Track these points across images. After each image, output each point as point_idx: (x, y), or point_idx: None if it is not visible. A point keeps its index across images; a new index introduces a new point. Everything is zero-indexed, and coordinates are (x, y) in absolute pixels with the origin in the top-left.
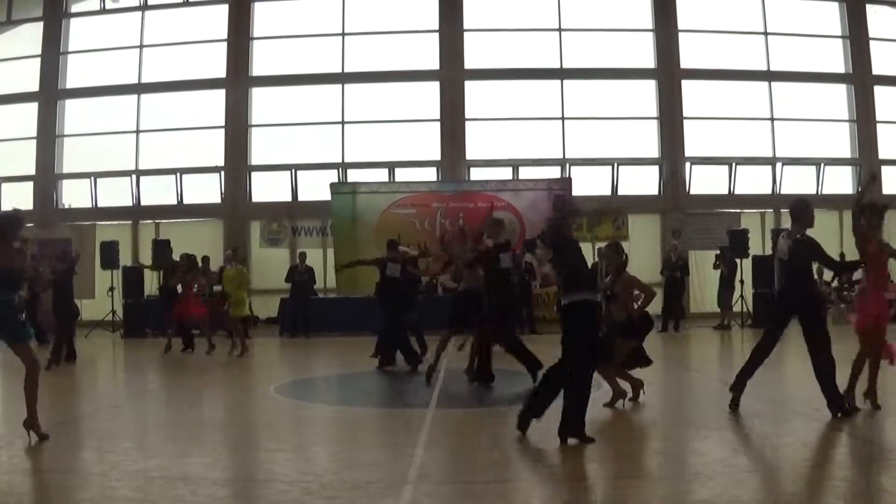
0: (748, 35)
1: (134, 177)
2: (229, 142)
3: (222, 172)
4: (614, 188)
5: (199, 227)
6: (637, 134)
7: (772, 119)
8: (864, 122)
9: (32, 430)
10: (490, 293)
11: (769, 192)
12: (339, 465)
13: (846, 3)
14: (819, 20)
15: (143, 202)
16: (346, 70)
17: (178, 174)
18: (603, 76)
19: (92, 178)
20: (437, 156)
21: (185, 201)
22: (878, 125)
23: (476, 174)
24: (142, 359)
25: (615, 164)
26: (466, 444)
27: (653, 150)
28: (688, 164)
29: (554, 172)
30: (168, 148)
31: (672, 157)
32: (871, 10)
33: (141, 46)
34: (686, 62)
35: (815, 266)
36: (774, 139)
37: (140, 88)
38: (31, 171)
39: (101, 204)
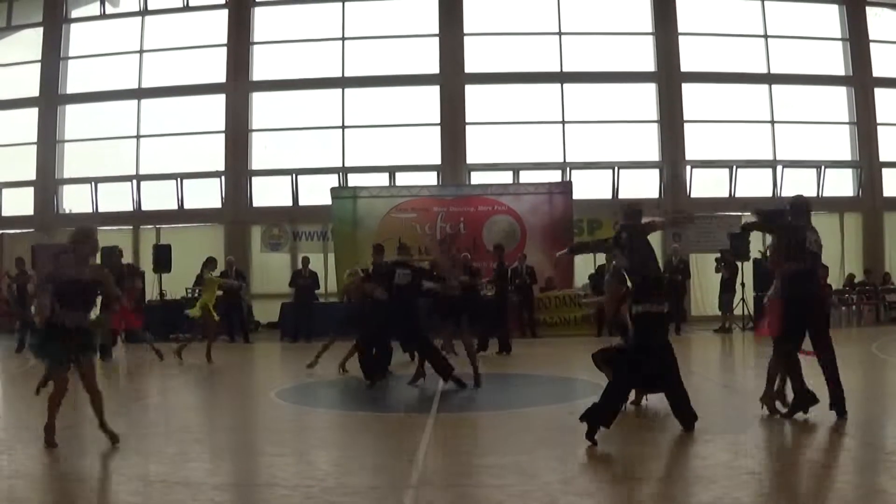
0: (748, 38)
1: (135, 182)
2: (230, 146)
3: (223, 177)
4: (615, 192)
5: (200, 231)
6: (637, 137)
7: (772, 122)
8: (865, 124)
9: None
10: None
11: (770, 194)
12: (341, 469)
13: (846, 5)
14: (819, 22)
15: (144, 207)
16: (346, 74)
17: (179, 179)
18: (603, 80)
19: (92, 184)
20: (437, 160)
21: (186, 206)
22: (879, 127)
23: (477, 178)
24: (142, 364)
25: (616, 168)
26: (468, 448)
27: (653, 154)
28: (688, 168)
29: (555, 176)
30: (169, 153)
31: (673, 160)
32: (870, 11)
33: (141, 51)
34: (686, 65)
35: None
36: (775, 142)
37: (140, 93)
38: (32, 176)
39: (101, 209)
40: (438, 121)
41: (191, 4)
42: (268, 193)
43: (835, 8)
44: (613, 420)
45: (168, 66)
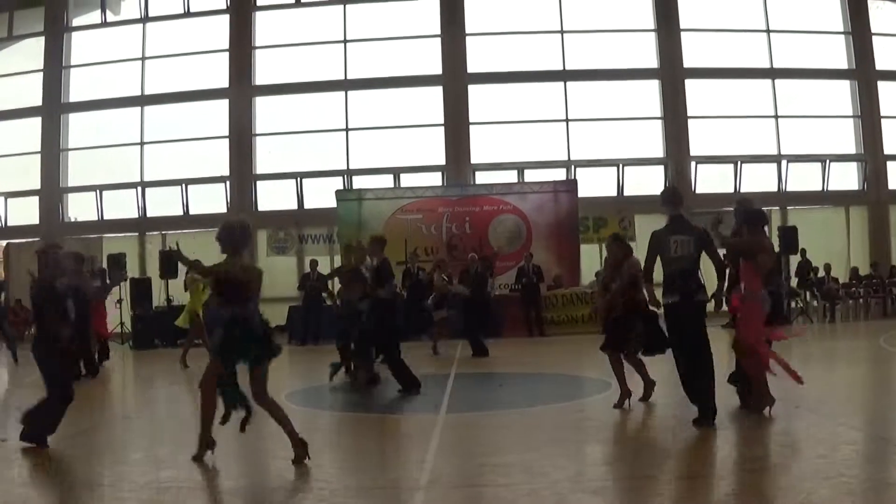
0: (750, 33)
1: (139, 188)
2: (234, 151)
3: (228, 182)
4: (620, 189)
5: (206, 237)
6: (642, 134)
7: (776, 116)
8: (869, 117)
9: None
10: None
11: (775, 189)
12: (351, 471)
13: None
14: (821, 16)
15: (150, 213)
16: (349, 77)
17: (184, 185)
18: (606, 77)
19: (97, 191)
20: (441, 160)
21: (192, 212)
22: (883, 120)
23: (481, 178)
24: (151, 369)
25: (620, 165)
26: (477, 449)
27: (658, 150)
28: (693, 163)
29: (559, 174)
30: (173, 159)
31: (677, 156)
32: (872, 5)
33: (143, 58)
34: (689, 61)
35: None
36: (779, 136)
37: (143, 100)
38: (37, 185)
39: (107, 216)
40: (442, 121)
41: (192, 10)
42: (273, 197)
43: (836, 1)
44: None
45: (170, 72)
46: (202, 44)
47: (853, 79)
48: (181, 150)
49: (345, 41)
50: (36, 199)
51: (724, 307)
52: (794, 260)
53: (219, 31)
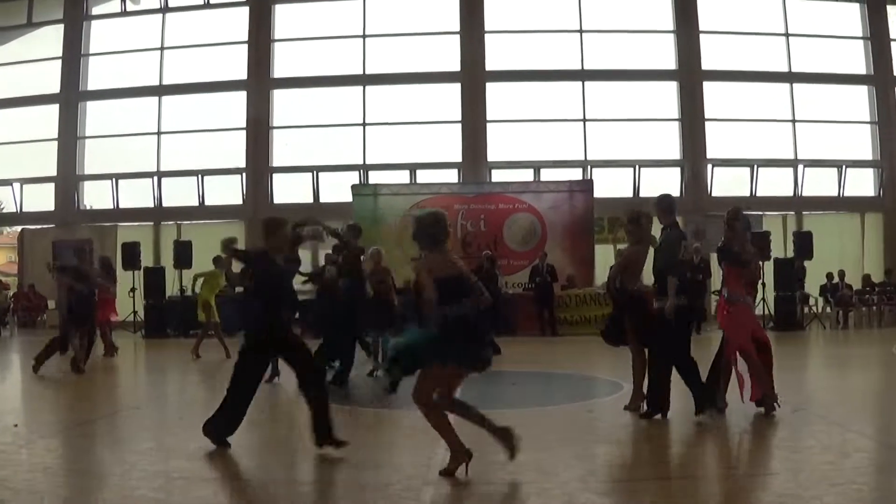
0: (769, 36)
1: (155, 178)
2: (251, 143)
3: (244, 174)
4: (636, 190)
5: (221, 228)
6: (658, 135)
7: (793, 121)
8: (886, 123)
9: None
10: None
11: (791, 194)
12: (359, 466)
13: (866, 3)
14: (840, 21)
15: (165, 203)
16: (367, 72)
17: (200, 176)
18: (624, 78)
19: (113, 180)
20: (458, 157)
21: (207, 203)
22: None
23: (497, 176)
24: (163, 359)
25: (637, 166)
26: (486, 445)
27: (674, 152)
28: (709, 166)
29: (575, 174)
30: (189, 149)
31: (693, 158)
32: (892, 10)
33: (162, 48)
34: (707, 63)
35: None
36: (796, 141)
37: (161, 90)
38: (53, 172)
39: (122, 205)
40: (459, 118)
41: (211, 2)
42: (289, 190)
43: (855, 6)
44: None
45: (189, 62)
46: (221, 35)
47: (871, 84)
48: (198, 141)
49: (364, 36)
50: (52, 185)
51: None
52: (809, 266)
53: (238, 23)
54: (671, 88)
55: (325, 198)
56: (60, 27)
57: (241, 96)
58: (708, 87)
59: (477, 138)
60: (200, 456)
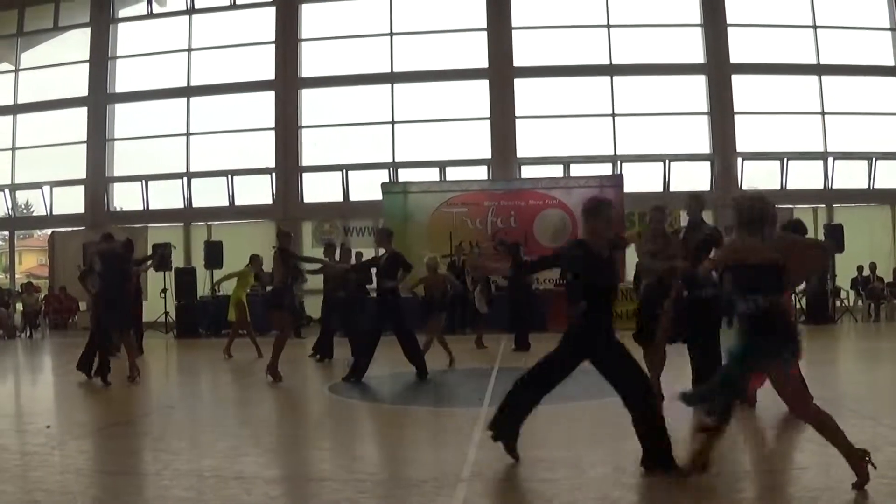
0: (797, 29)
1: (185, 179)
2: (280, 143)
3: (273, 174)
4: (666, 184)
5: (251, 228)
6: (688, 129)
7: (822, 113)
8: None
9: None
10: None
11: (821, 186)
12: (393, 463)
13: None
14: (868, 12)
15: (195, 204)
16: (395, 70)
17: (230, 176)
18: (653, 72)
19: (143, 181)
20: (487, 154)
21: (237, 203)
22: None
23: (527, 172)
24: (195, 359)
25: (667, 160)
26: (519, 442)
27: (704, 146)
28: (739, 159)
29: (605, 169)
30: (219, 150)
31: (723, 152)
32: None
33: (189, 50)
34: (736, 57)
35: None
36: (826, 133)
37: (189, 91)
38: (82, 174)
39: (152, 206)
40: (488, 115)
41: (238, 2)
42: (318, 189)
43: None
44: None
45: (216, 63)
46: (248, 36)
47: None
48: (227, 141)
49: (391, 34)
50: (81, 188)
51: None
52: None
53: (265, 23)
54: (700, 82)
55: (354, 196)
56: (87, 31)
57: (269, 96)
58: (737, 80)
59: (506, 134)
60: (233, 454)
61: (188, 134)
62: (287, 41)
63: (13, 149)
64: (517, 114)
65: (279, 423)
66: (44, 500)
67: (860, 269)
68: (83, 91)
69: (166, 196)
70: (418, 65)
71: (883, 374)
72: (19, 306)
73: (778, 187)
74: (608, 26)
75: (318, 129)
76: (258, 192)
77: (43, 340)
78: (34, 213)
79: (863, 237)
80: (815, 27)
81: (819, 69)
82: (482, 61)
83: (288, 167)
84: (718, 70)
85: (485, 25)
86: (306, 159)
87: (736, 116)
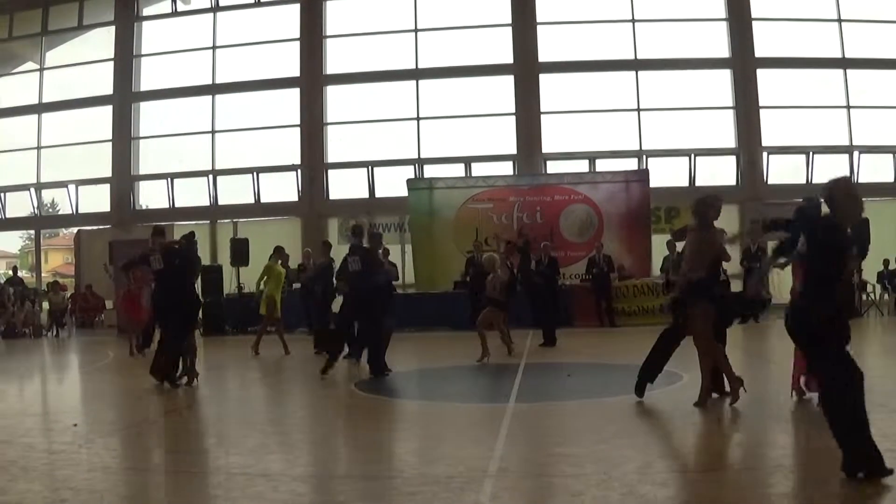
0: (822, 22)
1: (211, 177)
2: (305, 140)
3: (299, 171)
4: (692, 179)
5: (277, 225)
6: (713, 124)
7: (848, 107)
8: None
9: None
10: None
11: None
12: (420, 459)
13: None
14: (893, 5)
15: (221, 202)
16: (420, 66)
17: (255, 173)
18: (678, 66)
19: (169, 179)
20: (513, 150)
21: (263, 200)
22: None
23: (552, 167)
24: (222, 356)
25: (692, 155)
26: (546, 438)
27: (730, 140)
28: (765, 154)
29: (631, 164)
30: (244, 147)
31: (749, 146)
32: None
33: (214, 47)
34: (760, 51)
35: None
36: (851, 127)
37: (214, 89)
38: (108, 173)
39: (178, 204)
40: (513, 110)
41: (262, 0)
42: (344, 186)
43: None
44: None
45: (241, 61)
46: (273, 33)
47: None
48: (252, 139)
49: (416, 30)
50: (107, 186)
51: None
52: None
53: (290, 20)
54: (725, 76)
55: (380, 193)
56: (112, 29)
57: (294, 93)
58: (762, 74)
59: (531, 130)
60: (260, 452)
61: (213, 131)
62: (312, 38)
63: (38, 148)
64: (542, 109)
65: (306, 421)
66: (71, 498)
67: (886, 262)
68: (108, 89)
69: (192, 194)
70: (443, 61)
71: None
72: (46, 305)
73: (804, 181)
74: (633, 21)
75: (344, 126)
76: (284, 189)
77: (69, 339)
78: (60, 212)
79: (889, 231)
80: (839, 21)
81: (844, 63)
82: (507, 57)
83: (314, 164)
84: (743, 64)
85: (509, 21)
86: (332, 156)
87: (761, 111)
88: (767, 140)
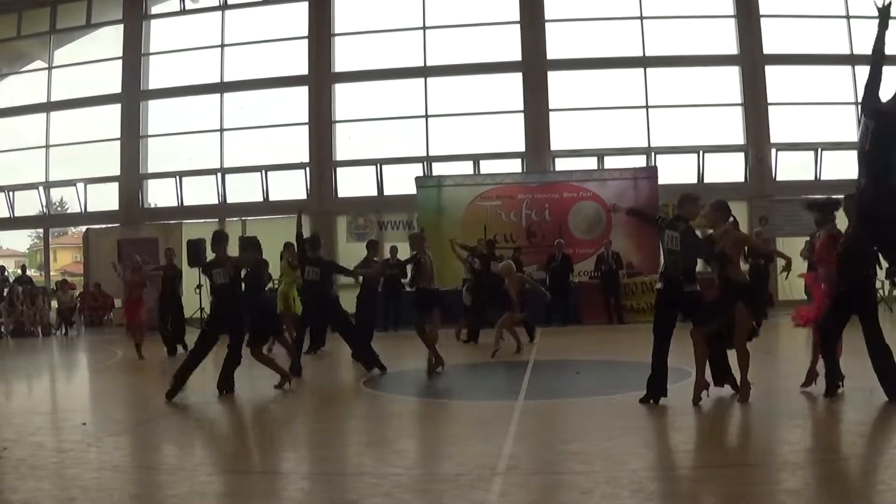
0: (830, 19)
1: (219, 175)
2: (314, 138)
3: (307, 169)
4: (700, 176)
5: (286, 223)
6: (722, 121)
7: (856, 103)
8: None
9: None
10: None
11: (856, 177)
12: (429, 457)
13: None
14: None
15: (229, 200)
16: (428, 64)
17: (264, 171)
18: (686, 63)
19: (177, 177)
20: (521, 147)
21: (271, 198)
22: None
23: (561, 165)
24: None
25: (700, 152)
26: (555, 435)
27: (738, 137)
28: (773, 150)
29: (639, 161)
30: (252, 145)
31: (757, 143)
32: None
33: (222, 45)
34: (769, 48)
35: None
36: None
37: (223, 87)
38: (116, 171)
39: (186, 203)
40: (522, 108)
41: None
42: (353, 184)
43: None
44: None
45: (249, 59)
46: (281, 31)
47: None
48: (260, 137)
49: (424, 28)
50: (116, 185)
51: None
52: None
53: (298, 18)
54: (733, 73)
55: (389, 190)
56: (120, 27)
57: (302, 91)
58: (770, 70)
59: (540, 127)
60: (269, 449)
61: (222, 130)
62: (320, 36)
63: (47, 146)
64: (551, 106)
65: (315, 418)
66: (80, 496)
67: None
68: (116, 88)
69: (200, 192)
70: (451, 58)
71: None
72: (54, 304)
73: (812, 178)
74: (641, 18)
75: (352, 124)
76: (292, 187)
77: (78, 338)
78: (68, 211)
79: None
80: (847, 17)
81: (852, 59)
82: (515, 54)
83: (322, 162)
84: (752, 61)
85: (518, 18)
86: (340, 154)
87: (769, 107)
88: (776, 136)
